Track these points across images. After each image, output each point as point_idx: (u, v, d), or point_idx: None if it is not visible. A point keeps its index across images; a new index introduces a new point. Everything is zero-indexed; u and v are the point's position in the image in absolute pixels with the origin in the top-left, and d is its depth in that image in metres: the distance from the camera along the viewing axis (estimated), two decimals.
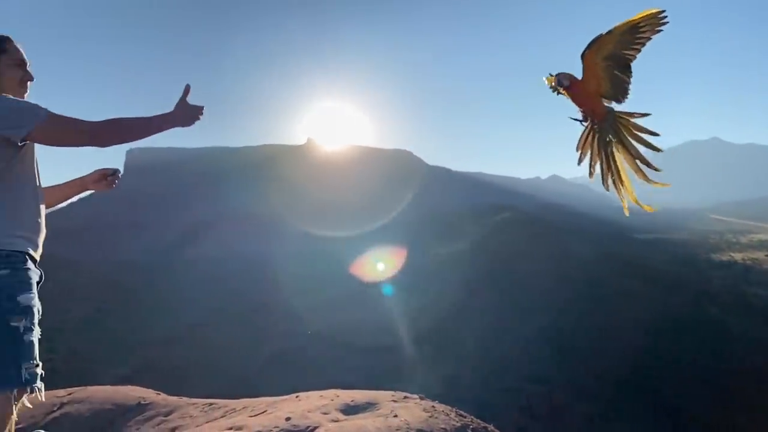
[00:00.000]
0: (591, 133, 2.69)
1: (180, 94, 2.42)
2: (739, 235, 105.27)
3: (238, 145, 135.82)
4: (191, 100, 2.43)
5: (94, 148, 2.27)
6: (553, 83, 2.62)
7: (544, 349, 52.65)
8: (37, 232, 2.30)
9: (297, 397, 4.76)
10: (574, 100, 2.66)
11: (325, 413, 4.03)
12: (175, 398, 5.46)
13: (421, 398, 4.41)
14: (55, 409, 4.43)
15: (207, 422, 4.37)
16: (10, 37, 2.33)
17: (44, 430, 3.89)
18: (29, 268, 2.20)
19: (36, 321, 2.18)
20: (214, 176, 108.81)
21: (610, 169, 2.67)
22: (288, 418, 3.79)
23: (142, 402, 4.97)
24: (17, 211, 2.22)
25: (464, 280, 60.33)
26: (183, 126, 2.38)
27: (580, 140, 2.71)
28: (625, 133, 2.62)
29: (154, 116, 2.32)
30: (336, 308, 60.36)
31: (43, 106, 2.17)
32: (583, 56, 2.50)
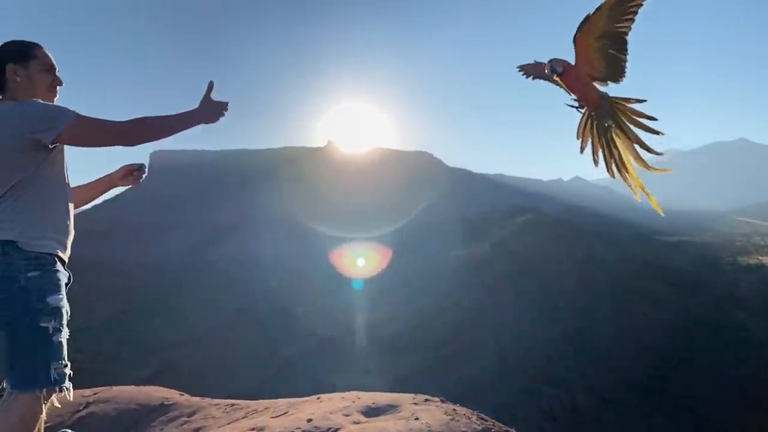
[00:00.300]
0: (589, 120, 2.61)
1: (202, 92, 2.45)
2: (767, 238, 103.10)
3: (259, 147, 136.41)
4: (214, 97, 2.46)
5: (120, 147, 2.33)
6: (546, 70, 2.54)
7: (565, 352, 52.15)
8: (66, 233, 2.35)
9: (318, 398, 4.78)
10: (568, 86, 2.60)
11: (346, 415, 4.05)
12: (197, 399, 5.52)
13: (442, 401, 4.40)
14: (81, 408, 4.50)
15: (229, 423, 4.41)
16: (39, 43, 2.38)
17: (71, 429, 3.95)
18: (58, 270, 2.25)
19: (65, 322, 2.23)
20: (235, 178, 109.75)
21: (612, 155, 2.59)
22: (309, 420, 3.81)
23: (166, 402, 5.03)
24: (47, 213, 2.27)
25: (484, 282, 60.01)
26: (208, 123, 2.41)
27: (579, 127, 2.64)
28: (622, 118, 2.52)
29: (180, 114, 2.35)
30: (356, 310, 60.49)
31: (71, 109, 2.22)
32: (574, 40, 2.41)
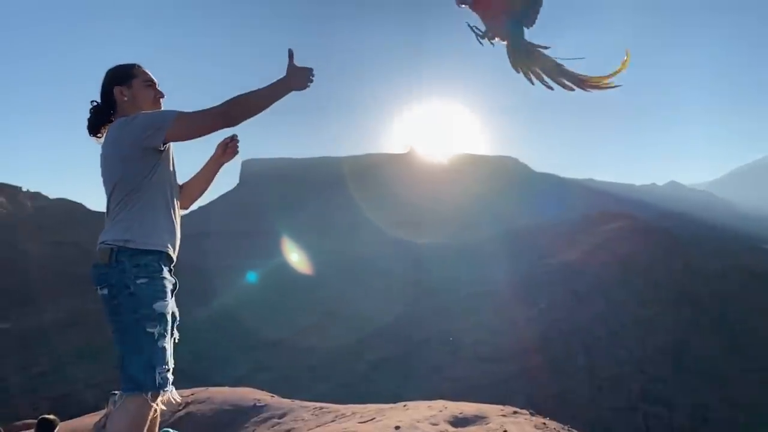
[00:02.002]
0: (515, 54, 2.55)
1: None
2: None
3: (342, 155, 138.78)
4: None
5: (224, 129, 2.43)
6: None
7: (663, 368, 49.37)
8: (173, 234, 2.51)
9: (405, 406, 4.78)
10: (479, 15, 2.54)
11: (433, 424, 4.01)
12: (287, 401, 5.68)
13: (532, 414, 4.27)
14: (181, 408, 4.75)
15: (318, 426, 4.50)
16: (137, 63, 2.59)
17: (171, 428, 4.15)
18: (165, 278, 2.40)
19: (169, 328, 2.37)
20: (320, 185, 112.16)
21: (560, 73, 2.52)
22: (397, 427, 3.81)
23: (258, 404, 5.22)
24: (157, 217, 2.44)
25: (574, 291, 57.89)
26: (298, 89, 2.44)
27: (513, 63, 2.57)
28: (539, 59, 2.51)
29: (269, 85, 2.40)
30: (440, 316, 60.13)
31: (172, 109, 2.39)
32: None
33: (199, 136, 2.38)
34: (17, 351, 47.62)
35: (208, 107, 2.33)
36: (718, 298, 56.82)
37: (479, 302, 60.39)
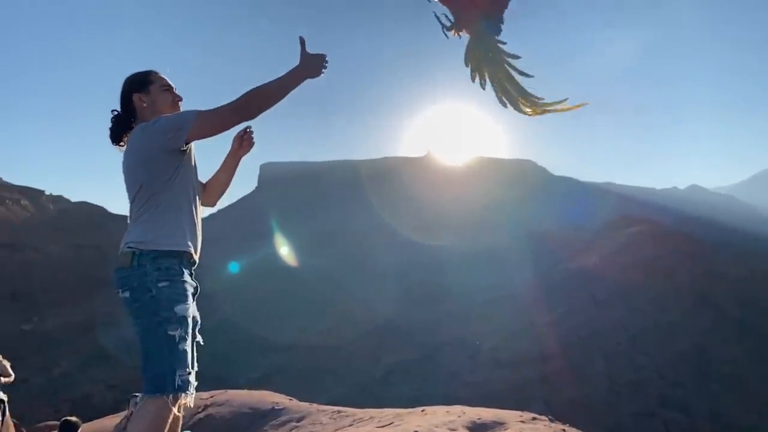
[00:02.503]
0: (475, 50, 2.50)
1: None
2: None
3: (361, 158, 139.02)
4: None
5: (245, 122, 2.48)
6: None
7: (683, 374, 48.63)
8: (195, 235, 2.54)
9: (423, 411, 4.76)
10: (448, 7, 2.50)
11: (452, 429, 3.99)
12: (305, 404, 5.69)
13: (551, 420, 4.22)
14: (200, 410, 4.78)
15: (336, 430, 4.50)
16: (153, 69, 2.63)
17: (191, 430, 4.18)
18: (185, 281, 2.42)
19: (190, 331, 2.39)
20: (337, 189, 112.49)
21: (502, 87, 2.46)
22: None
23: (276, 407, 5.23)
24: (179, 218, 2.46)
25: (594, 296, 57.31)
26: (313, 76, 2.44)
27: (466, 56, 2.51)
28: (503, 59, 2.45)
29: (284, 75, 2.40)
30: (458, 321, 59.89)
31: (190, 110, 2.42)
32: None
33: (220, 132, 2.42)
34: (39, 352, 48.36)
35: (225, 103, 2.36)
36: (739, 303, 55.87)
37: (497, 307, 60.04)
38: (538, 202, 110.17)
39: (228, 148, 2.83)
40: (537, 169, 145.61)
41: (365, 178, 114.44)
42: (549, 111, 2.46)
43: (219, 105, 2.37)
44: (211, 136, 2.42)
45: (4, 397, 6.82)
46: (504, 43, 2.49)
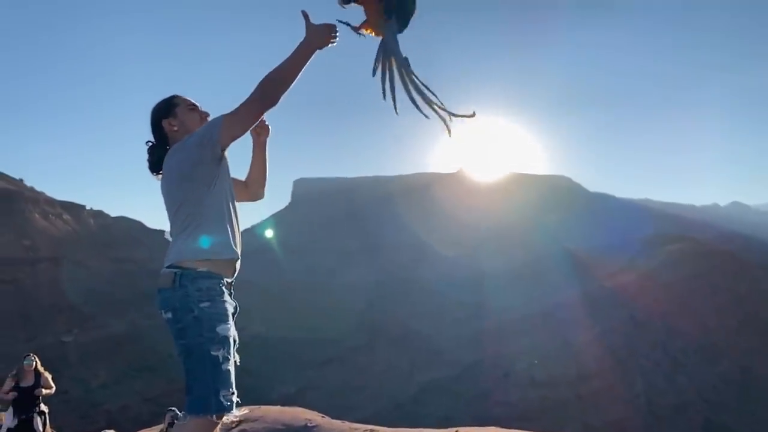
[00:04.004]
0: (384, 52, 2.50)
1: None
2: None
3: (392, 174, 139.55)
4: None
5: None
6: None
7: (726, 395, 47.01)
8: (236, 238, 2.54)
9: (457, 431, 4.66)
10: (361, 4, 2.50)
11: None
12: (338, 422, 5.63)
13: None
14: (233, 426, 4.77)
15: None
16: (176, 94, 2.70)
17: None
18: (226, 300, 2.43)
19: (232, 351, 2.38)
20: (370, 204, 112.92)
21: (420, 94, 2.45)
22: None
23: (309, 424, 5.18)
24: (220, 225, 2.48)
25: (632, 316, 55.93)
26: (322, 47, 2.41)
27: (376, 61, 2.51)
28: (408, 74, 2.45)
29: (293, 52, 2.40)
30: (493, 339, 59.06)
31: (216, 116, 2.43)
32: None
33: (251, 126, 2.46)
34: (78, 364, 49.48)
35: (246, 98, 2.37)
36: None
37: (533, 325, 59.08)
38: (573, 219, 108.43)
39: (244, 143, 2.85)
40: (573, 186, 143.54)
41: (397, 194, 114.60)
42: (441, 112, 2.46)
43: (240, 104, 2.38)
44: (243, 133, 2.44)
45: (46, 409, 6.95)
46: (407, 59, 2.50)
